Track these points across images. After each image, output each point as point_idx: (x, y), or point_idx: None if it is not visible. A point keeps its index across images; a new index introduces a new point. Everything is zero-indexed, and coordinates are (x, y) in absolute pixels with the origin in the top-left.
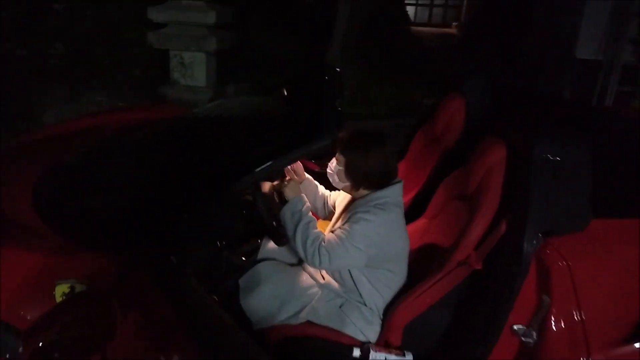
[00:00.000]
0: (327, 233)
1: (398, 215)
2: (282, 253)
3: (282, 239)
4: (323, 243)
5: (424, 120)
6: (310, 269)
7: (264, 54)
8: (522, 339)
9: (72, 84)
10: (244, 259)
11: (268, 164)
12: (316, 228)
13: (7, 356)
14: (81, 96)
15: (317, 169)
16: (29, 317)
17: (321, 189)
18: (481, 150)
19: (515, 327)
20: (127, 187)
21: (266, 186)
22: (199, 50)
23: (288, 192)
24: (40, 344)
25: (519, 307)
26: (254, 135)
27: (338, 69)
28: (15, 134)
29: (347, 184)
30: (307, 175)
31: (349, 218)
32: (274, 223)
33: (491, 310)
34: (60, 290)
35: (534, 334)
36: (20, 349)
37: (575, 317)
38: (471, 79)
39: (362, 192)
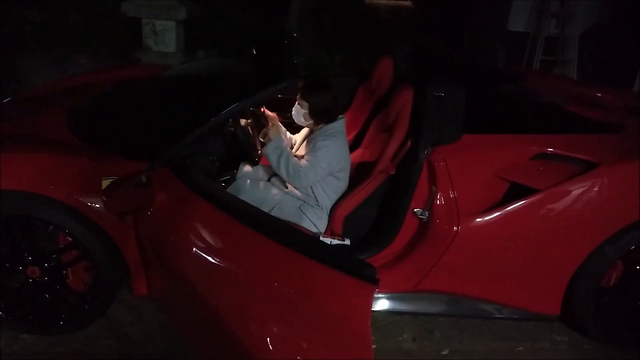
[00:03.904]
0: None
1: (343, 140)
2: (254, 174)
3: (254, 160)
4: (300, 168)
5: (364, 78)
6: (277, 182)
7: (227, 22)
8: (420, 217)
9: (50, 50)
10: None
11: (244, 101)
12: (293, 157)
13: None
14: (62, 61)
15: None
16: (82, 200)
17: (287, 132)
18: (396, 94)
19: (415, 210)
20: (141, 117)
21: (242, 121)
22: (169, 18)
23: (271, 134)
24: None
25: (417, 196)
26: (231, 83)
27: (295, 34)
28: (4, 94)
29: (311, 121)
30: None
31: (313, 145)
32: (248, 146)
33: (399, 200)
34: (105, 184)
35: (427, 212)
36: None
37: (451, 196)
38: (398, 45)
39: (320, 125)
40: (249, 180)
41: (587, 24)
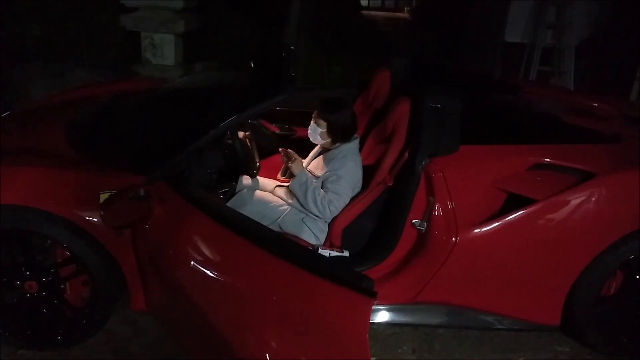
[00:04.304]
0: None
1: (359, 160)
2: (257, 185)
3: (252, 172)
4: (328, 200)
5: (362, 90)
6: (281, 193)
7: (226, 35)
8: (418, 228)
9: (49, 63)
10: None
11: (242, 113)
12: (320, 189)
13: None
14: (62, 74)
15: (277, 131)
16: (80, 214)
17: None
18: (393, 105)
19: (413, 221)
20: (138, 131)
21: (240, 134)
22: (168, 32)
23: (294, 169)
24: (110, 213)
25: (415, 207)
26: (228, 95)
27: (292, 47)
28: (4, 107)
29: (328, 140)
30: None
31: (333, 171)
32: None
33: (397, 211)
34: (103, 197)
35: (425, 223)
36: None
37: (449, 207)
38: (396, 57)
39: (336, 145)
40: (251, 192)
41: (584, 34)
